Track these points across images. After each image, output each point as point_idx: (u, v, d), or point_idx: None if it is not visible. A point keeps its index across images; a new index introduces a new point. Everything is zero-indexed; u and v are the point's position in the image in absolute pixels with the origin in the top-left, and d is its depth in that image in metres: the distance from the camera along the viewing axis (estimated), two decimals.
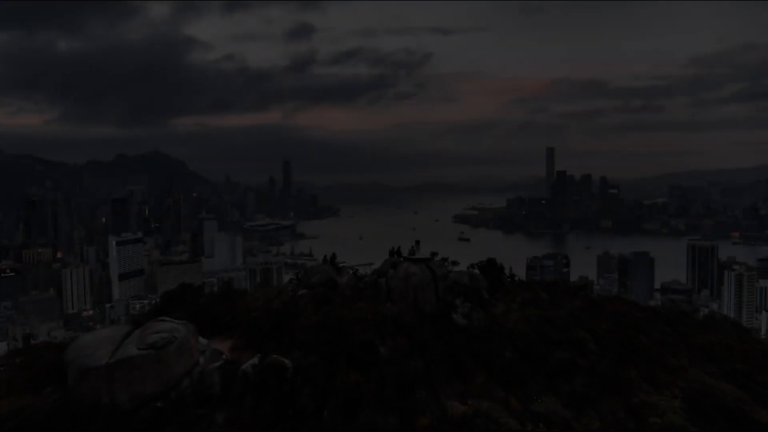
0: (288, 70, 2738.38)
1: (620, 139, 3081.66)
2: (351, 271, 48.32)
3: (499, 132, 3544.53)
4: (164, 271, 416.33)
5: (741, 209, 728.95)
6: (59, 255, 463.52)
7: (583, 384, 31.37)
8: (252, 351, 32.81)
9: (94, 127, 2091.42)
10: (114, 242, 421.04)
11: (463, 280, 39.46)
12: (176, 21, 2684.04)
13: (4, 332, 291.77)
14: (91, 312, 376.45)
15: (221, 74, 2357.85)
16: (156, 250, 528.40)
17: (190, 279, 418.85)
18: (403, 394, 29.59)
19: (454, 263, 46.83)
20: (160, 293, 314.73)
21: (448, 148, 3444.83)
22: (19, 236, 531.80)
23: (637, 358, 34.79)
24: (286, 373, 29.97)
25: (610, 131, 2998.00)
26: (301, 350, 31.40)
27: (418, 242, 41.88)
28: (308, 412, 28.60)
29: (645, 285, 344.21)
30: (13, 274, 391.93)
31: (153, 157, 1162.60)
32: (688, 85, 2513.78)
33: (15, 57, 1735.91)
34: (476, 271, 44.77)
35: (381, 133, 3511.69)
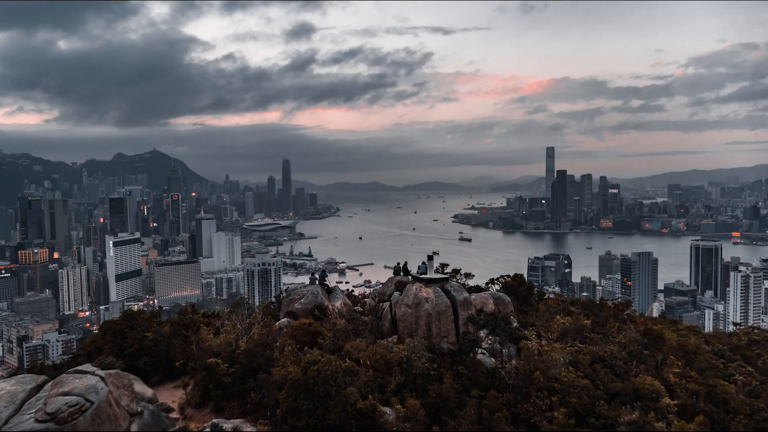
0: (288, 69, 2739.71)
1: (620, 138, 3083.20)
2: (347, 290, 40.30)
3: (499, 131, 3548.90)
4: (162, 272, 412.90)
5: (741, 209, 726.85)
6: (56, 255, 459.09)
7: None
8: (210, 409, 25.57)
9: (93, 127, 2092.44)
10: (111, 242, 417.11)
11: (489, 306, 31.41)
12: (176, 21, 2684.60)
13: None
14: (87, 313, 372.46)
15: (221, 74, 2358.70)
16: (154, 250, 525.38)
17: (188, 279, 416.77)
18: None
19: (468, 276, 39.25)
20: (158, 294, 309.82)
21: (447, 148, 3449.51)
22: (15, 236, 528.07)
23: (730, 418, 25.53)
24: None
25: (610, 131, 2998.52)
26: (272, 419, 23.18)
27: (431, 257, 32.69)
28: None
29: (648, 286, 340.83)
30: (8, 275, 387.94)
31: (152, 157, 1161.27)
32: (688, 84, 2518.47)
33: (15, 57, 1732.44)
34: (501, 292, 35.41)
35: (381, 132, 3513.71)
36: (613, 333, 31.85)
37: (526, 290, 39.26)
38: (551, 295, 45.54)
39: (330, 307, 32.37)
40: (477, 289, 37.09)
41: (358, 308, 35.02)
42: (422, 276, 31.93)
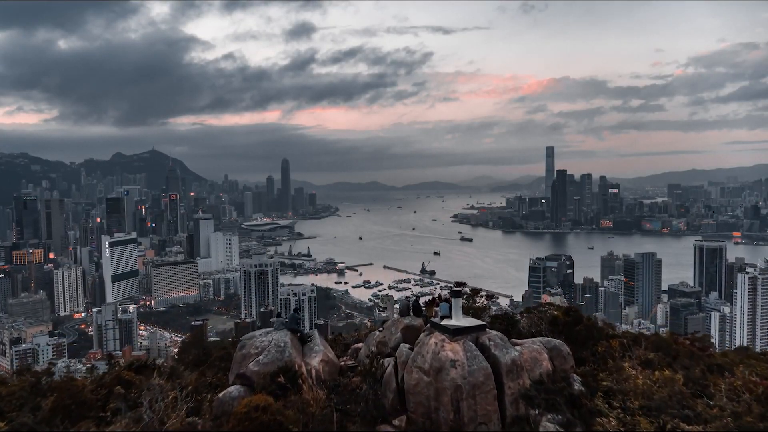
0: (288, 69, 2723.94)
1: (619, 138, 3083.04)
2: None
3: (499, 131, 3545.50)
4: (159, 273, 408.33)
5: (742, 209, 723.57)
6: (51, 256, 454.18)
7: None
8: None
9: (92, 127, 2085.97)
10: (107, 243, 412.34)
11: (544, 365, 21.13)
12: (176, 20, 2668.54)
13: None
14: (83, 314, 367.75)
15: (221, 73, 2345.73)
16: (151, 250, 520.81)
17: (185, 280, 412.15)
18: None
19: (491, 298, 29.67)
20: (155, 295, 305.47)
21: (447, 148, 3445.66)
22: (11, 237, 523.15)
23: None
24: None
25: (610, 131, 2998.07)
26: None
27: (457, 291, 22.10)
28: None
29: (652, 287, 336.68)
30: (2, 275, 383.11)
31: (151, 157, 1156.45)
32: (688, 84, 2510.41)
33: (15, 56, 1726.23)
34: (546, 328, 24.65)
35: (380, 132, 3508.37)
36: (719, 395, 21.46)
37: (585, 330, 27.24)
38: (600, 320, 35.02)
39: (303, 369, 21.35)
40: (510, 324, 25.98)
41: (347, 360, 24.65)
42: (445, 324, 21.05)
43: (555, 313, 28.47)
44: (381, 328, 24.92)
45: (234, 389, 20.95)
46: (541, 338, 22.95)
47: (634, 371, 22.83)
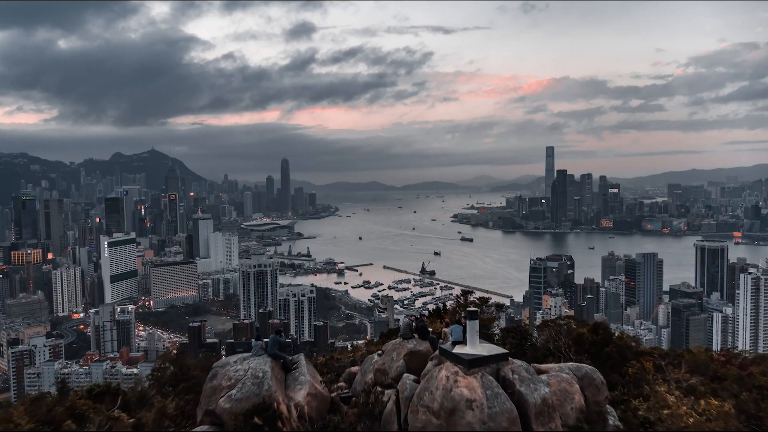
0: (288, 69, 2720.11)
1: (619, 138, 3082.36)
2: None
3: (499, 131, 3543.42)
4: (158, 273, 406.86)
5: (742, 209, 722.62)
6: (50, 256, 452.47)
7: None
8: None
9: (92, 126, 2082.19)
10: (105, 243, 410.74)
11: (576, 399, 17.76)
12: (176, 20, 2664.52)
13: None
14: (81, 314, 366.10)
15: (220, 73, 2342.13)
16: (150, 250, 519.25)
17: (184, 280, 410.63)
18: None
19: (501, 308, 25.91)
20: (154, 296, 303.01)
21: (447, 148, 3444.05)
22: (10, 237, 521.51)
23: None
24: None
25: (610, 130, 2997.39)
26: None
27: (474, 312, 18.07)
28: None
29: (653, 287, 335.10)
30: (0, 276, 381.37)
31: (150, 157, 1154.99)
32: (688, 84, 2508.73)
33: (14, 56, 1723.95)
34: (585, 364, 20.08)
35: (380, 132, 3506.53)
36: None
37: (617, 352, 23.62)
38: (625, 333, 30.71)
39: (284, 406, 17.35)
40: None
41: (341, 388, 20.85)
42: (459, 352, 17.03)
43: (578, 329, 24.86)
44: (380, 351, 20.99)
45: (201, 431, 17.35)
46: (569, 364, 19.48)
47: (673, 398, 19.61)
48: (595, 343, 23.85)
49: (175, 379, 20.92)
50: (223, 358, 19.66)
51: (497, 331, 23.99)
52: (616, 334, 26.84)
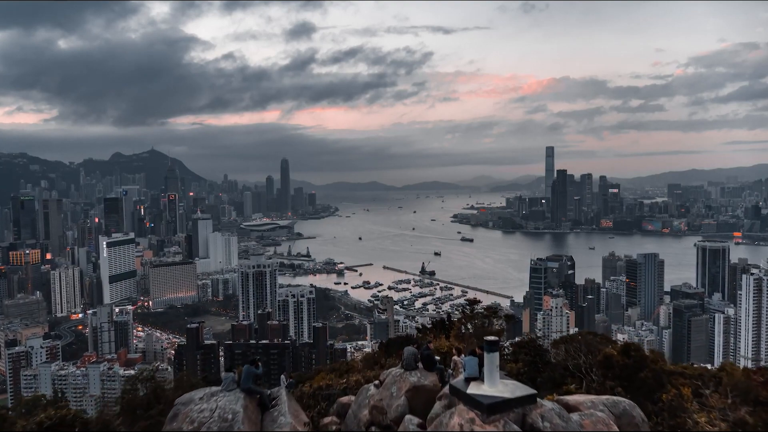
0: (287, 69, 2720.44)
1: (619, 138, 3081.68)
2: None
3: (499, 131, 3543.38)
4: (157, 273, 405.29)
5: (742, 209, 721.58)
6: (49, 256, 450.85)
7: None
8: None
9: (91, 126, 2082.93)
10: (104, 243, 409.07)
11: None
12: (176, 20, 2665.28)
13: None
14: (80, 315, 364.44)
15: (220, 73, 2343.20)
16: (149, 251, 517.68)
17: (183, 281, 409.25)
18: None
19: (509, 319, 22.38)
20: (153, 296, 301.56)
21: (447, 148, 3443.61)
22: (8, 237, 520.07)
23: None
24: None
25: (610, 130, 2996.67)
26: None
27: (493, 342, 13.60)
28: None
29: (654, 288, 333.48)
30: None
31: (150, 157, 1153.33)
32: (688, 84, 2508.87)
33: (14, 56, 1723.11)
34: (621, 398, 16.70)
35: (380, 132, 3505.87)
36: None
37: (652, 377, 20.70)
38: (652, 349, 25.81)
39: None
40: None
41: (333, 423, 17.70)
42: (475, 393, 13.27)
43: (603, 347, 21.66)
44: (377, 382, 17.46)
45: None
46: (604, 399, 15.99)
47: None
48: (626, 367, 20.83)
49: (147, 404, 18.53)
50: (187, 394, 16.12)
51: (508, 347, 21.72)
52: (649, 356, 23.15)
